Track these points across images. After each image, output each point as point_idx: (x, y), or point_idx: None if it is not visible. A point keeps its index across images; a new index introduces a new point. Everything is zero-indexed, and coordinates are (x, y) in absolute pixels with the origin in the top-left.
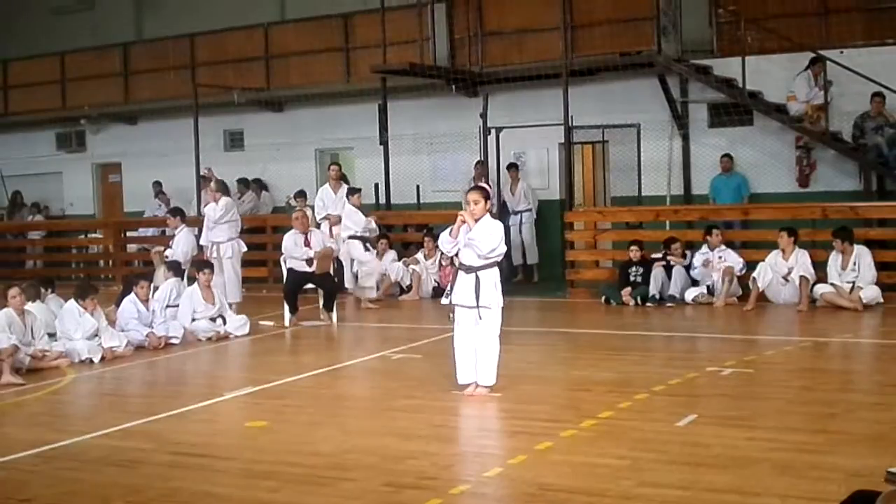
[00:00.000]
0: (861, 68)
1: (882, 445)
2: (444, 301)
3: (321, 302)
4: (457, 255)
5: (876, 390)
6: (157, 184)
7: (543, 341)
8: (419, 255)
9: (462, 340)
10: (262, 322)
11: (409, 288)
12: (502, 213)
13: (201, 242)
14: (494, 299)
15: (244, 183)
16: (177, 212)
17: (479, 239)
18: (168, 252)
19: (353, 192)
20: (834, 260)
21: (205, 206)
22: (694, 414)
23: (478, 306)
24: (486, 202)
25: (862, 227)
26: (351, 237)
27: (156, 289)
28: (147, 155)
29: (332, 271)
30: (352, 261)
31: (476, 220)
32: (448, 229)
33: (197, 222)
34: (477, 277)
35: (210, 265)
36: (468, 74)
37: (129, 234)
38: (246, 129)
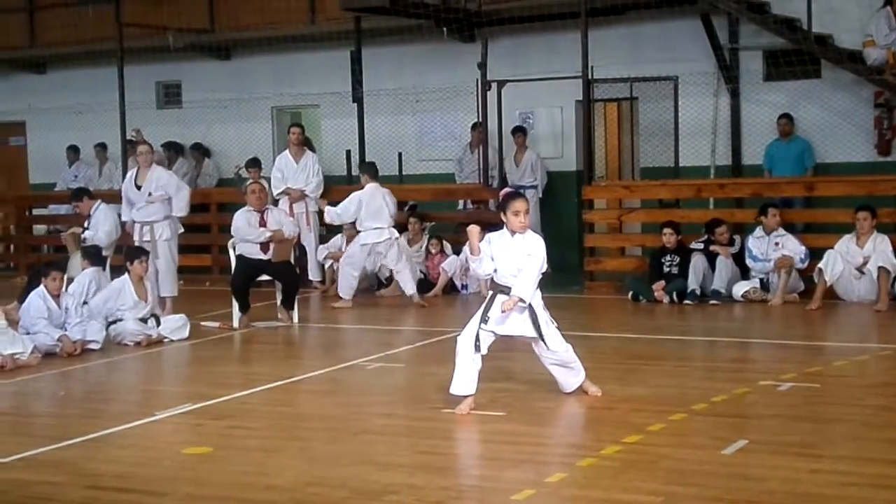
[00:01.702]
0: None
1: None
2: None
3: (279, 298)
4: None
5: None
6: (73, 149)
7: None
8: (402, 241)
9: (469, 342)
10: (204, 323)
11: (389, 281)
12: (502, 187)
13: (123, 219)
14: (548, 322)
15: (174, 148)
16: (82, 192)
17: (506, 262)
18: (88, 234)
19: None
20: None
21: (133, 174)
22: (744, 439)
23: (541, 337)
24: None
25: None
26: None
27: (70, 281)
28: (59, 112)
29: (292, 260)
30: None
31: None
32: (465, 250)
33: (117, 198)
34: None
35: (146, 252)
36: (463, 13)
37: (35, 212)
38: (184, 82)
